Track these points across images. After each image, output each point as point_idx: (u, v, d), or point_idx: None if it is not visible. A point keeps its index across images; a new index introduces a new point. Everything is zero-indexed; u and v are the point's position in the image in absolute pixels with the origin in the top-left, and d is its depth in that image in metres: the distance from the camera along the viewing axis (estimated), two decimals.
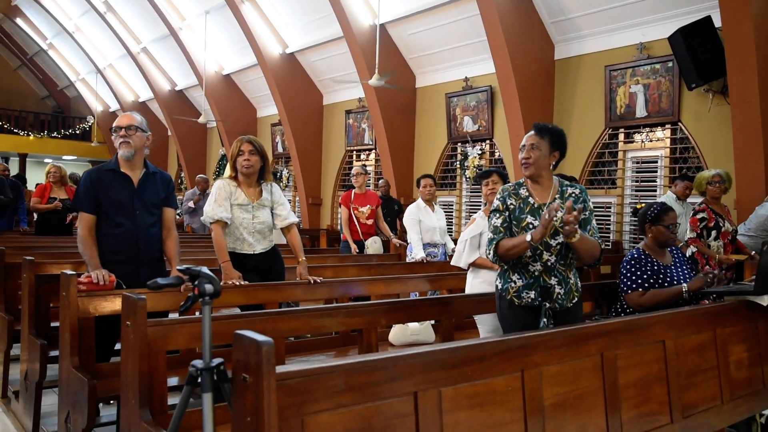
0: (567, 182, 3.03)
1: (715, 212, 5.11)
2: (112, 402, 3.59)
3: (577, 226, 2.68)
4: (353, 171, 7.09)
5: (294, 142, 12.25)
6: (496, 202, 2.99)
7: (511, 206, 2.94)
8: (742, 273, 5.33)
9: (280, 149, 13.83)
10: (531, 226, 2.86)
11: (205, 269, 1.88)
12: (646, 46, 7.51)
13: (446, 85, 9.98)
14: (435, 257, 5.71)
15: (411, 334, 3.99)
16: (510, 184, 3.07)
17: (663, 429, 2.64)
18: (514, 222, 2.92)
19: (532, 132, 2.95)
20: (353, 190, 6.87)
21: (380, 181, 8.95)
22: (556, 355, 2.32)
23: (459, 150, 9.88)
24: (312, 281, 3.82)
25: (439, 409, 1.94)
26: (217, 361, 1.87)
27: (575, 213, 2.63)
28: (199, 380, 1.86)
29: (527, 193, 2.95)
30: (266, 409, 1.54)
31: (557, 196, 2.95)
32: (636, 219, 4.44)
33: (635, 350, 2.61)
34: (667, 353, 2.74)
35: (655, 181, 7.74)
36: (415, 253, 5.56)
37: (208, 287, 1.84)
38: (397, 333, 4.01)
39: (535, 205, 2.91)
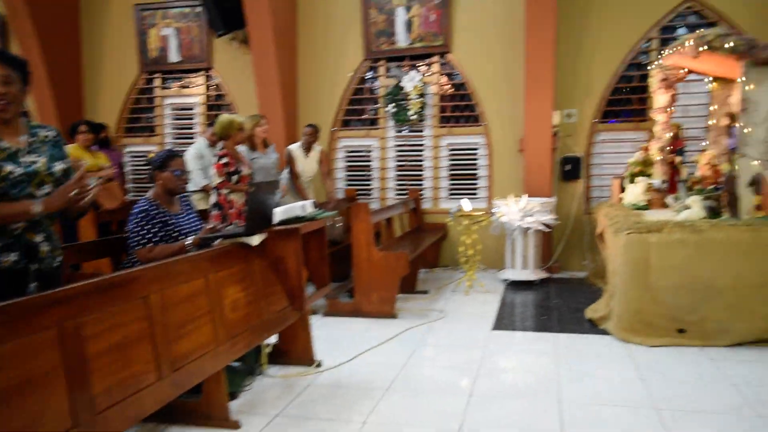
0: (34, 123, 2.58)
1: (236, 158, 5.24)
2: None
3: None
4: None
5: None
6: None
7: None
8: None
9: None
10: (12, 174, 2.37)
11: None
12: None
13: None
14: None
15: None
16: None
17: (150, 388, 2.49)
18: None
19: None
20: None
21: None
22: None
23: None
24: None
25: None
26: None
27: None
28: None
29: None
30: None
31: (31, 139, 2.49)
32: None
33: (110, 312, 2.36)
34: (152, 309, 2.59)
35: (192, 128, 7.72)
36: None
37: None
38: None
39: (12, 149, 2.42)
